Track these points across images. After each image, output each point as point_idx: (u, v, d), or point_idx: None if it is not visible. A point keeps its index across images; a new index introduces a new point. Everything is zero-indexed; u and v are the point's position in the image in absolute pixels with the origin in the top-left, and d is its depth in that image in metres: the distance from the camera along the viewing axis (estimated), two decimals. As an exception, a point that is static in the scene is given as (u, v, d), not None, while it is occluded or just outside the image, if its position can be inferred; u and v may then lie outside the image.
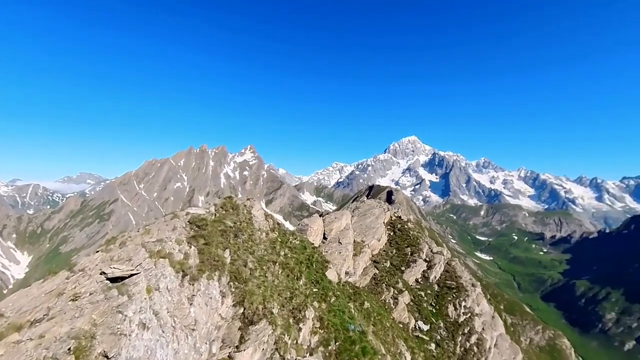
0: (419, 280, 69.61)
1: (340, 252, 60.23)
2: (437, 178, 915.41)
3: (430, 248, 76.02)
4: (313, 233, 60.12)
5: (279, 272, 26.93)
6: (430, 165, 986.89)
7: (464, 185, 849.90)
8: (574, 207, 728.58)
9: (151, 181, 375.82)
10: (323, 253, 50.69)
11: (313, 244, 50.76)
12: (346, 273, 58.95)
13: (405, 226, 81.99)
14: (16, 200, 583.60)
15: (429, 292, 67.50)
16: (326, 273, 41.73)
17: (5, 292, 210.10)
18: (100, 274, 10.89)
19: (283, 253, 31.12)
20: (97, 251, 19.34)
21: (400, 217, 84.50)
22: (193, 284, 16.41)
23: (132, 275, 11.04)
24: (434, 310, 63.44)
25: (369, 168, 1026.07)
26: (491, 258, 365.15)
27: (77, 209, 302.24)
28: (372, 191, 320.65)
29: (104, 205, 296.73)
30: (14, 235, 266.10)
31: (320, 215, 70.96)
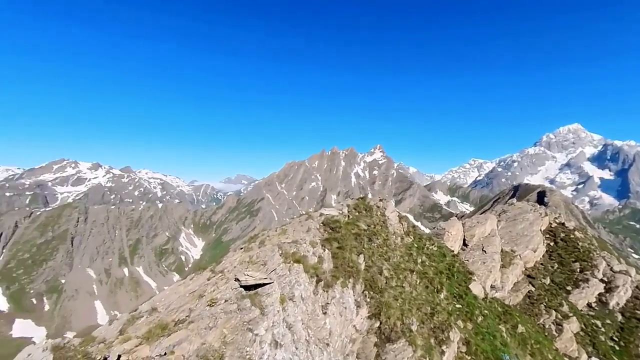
0: (593, 305, 55.22)
1: (484, 262, 52.52)
2: (610, 175, 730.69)
3: (609, 265, 59.71)
4: (451, 238, 54.15)
5: (417, 283, 24.00)
6: (599, 159, 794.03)
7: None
8: None
9: (290, 182, 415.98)
10: (464, 262, 44.74)
11: (452, 251, 45.33)
12: (492, 287, 50.96)
13: (571, 236, 66.59)
14: (193, 197, 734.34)
15: (608, 322, 52.76)
16: (470, 286, 36.26)
17: (186, 269, 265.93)
18: (235, 280, 10.61)
19: (420, 260, 27.91)
20: (241, 248, 20.42)
21: (563, 224, 69.08)
22: (327, 291, 15.29)
23: (265, 284, 10.40)
24: (617, 347, 49.08)
25: (514, 164, 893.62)
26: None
27: (234, 205, 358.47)
28: (519, 191, 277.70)
29: (253, 203, 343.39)
30: (192, 225, 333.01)
31: (458, 218, 63.75)
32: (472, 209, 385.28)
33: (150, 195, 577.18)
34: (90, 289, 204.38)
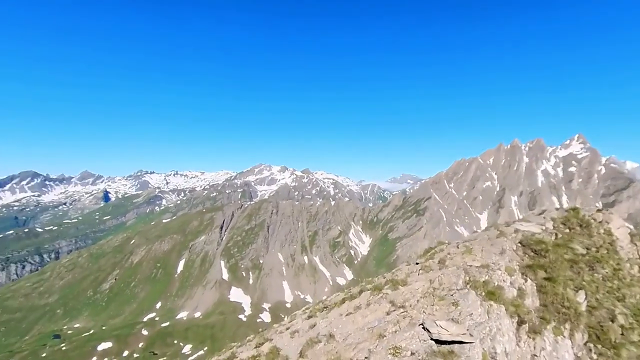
0: None
1: None
2: None
3: None
4: None
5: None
6: None
7: None
8: None
9: (460, 180, 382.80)
10: None
11: None
12: None
13: None
14: (361, 195, 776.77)
15: None
16: None
17: (355, 262, 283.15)
18: (423, 327, 8.81)
19: (676, 303, 19.21)
20: (417, 263, 18.53)
21: None
22: (534, 339, 11.65)
23: (462, 342, 8.17)
24: None
25: None
26: None
27: (399, 204, 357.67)
28: None
29: (419, 202, 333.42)
30: (360, 222, 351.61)
31: None
32: None
33: (325, 193, 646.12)
34: (280, 270, 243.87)
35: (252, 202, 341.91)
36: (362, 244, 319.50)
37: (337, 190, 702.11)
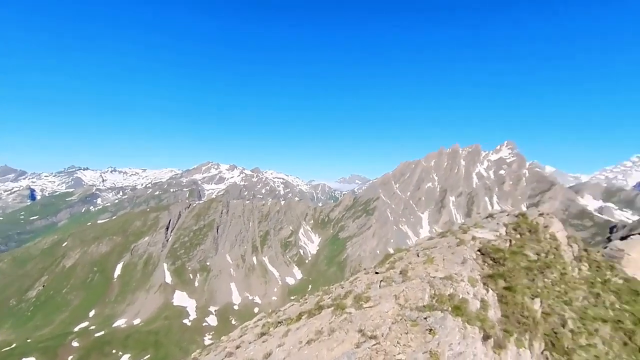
0: None
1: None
2: None
3: None
4: (632, 264, 41.24)
5: (611, 338, 17.37)
6: None
7: None
8: None
9: (406, 181, 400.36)
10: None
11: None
12: None
13: None
14: (312, 195, 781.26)
15: None
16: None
17: (306, 262, 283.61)
18: None
19: (609, 302, 20.59)
20: (377, 272, 17.77)
21: None
22: (499, 354, 11.29)
23: None
24: None
25: None
26: None
27: (350, 204, 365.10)
28: None
29: (369, 202, 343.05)
30: (311, 221, 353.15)
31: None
32: (636, 217, 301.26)
33: (275, 193, 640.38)
34: (229, 271, 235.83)
35: (200, 202, 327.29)
36: (312, 243, 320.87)
37: (288, 190, 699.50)
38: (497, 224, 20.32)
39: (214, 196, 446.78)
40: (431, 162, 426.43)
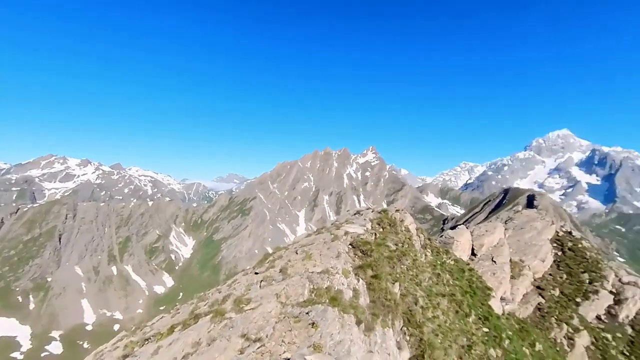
0: (602, 318, 53.77)
1: (494, 273, 50.44)
2: (597, 180, 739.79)
3: (618, 276, 58.38)
4: (460, 248, 51.85)
5: (448, 308, 21.48)
6: (587, 164, 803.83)
7: (638, 189, 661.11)
8: None
9: (282, 181, 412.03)
10: (479, 275, 42.38)
11: (468, 264, 42.91)
12: (502, 299, 48.78)
13: (579, 245, 65.09)
14: (184, 195, 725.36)
15: (618, 335, 51.34)
16: (489, 303, 33.90)
17: (177, 268, 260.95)
18: None
19: (445, 280, 25.43)
20: (256, 272, 17.51)
21: (570, 232, 67.54)
22: (369, 336, 12.53)
23: None
24: (628, 362, 47.54)
25: (505, 168, 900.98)
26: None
27: (225, 204, 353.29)
28: (508, 195, 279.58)
29: (245, 202, 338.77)
30: (183, 224, 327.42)
31: (465, 225, 61.43)
32: (462, 211, 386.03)
33: (141, 193, 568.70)
34: (78, 287, 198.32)
35: (35, 205, 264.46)
36: (184, 247, 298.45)
37: (157, 190, 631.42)
38: (365, 219, 22.73)
39: (58, 197, 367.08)
40: (307, 163, 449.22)
